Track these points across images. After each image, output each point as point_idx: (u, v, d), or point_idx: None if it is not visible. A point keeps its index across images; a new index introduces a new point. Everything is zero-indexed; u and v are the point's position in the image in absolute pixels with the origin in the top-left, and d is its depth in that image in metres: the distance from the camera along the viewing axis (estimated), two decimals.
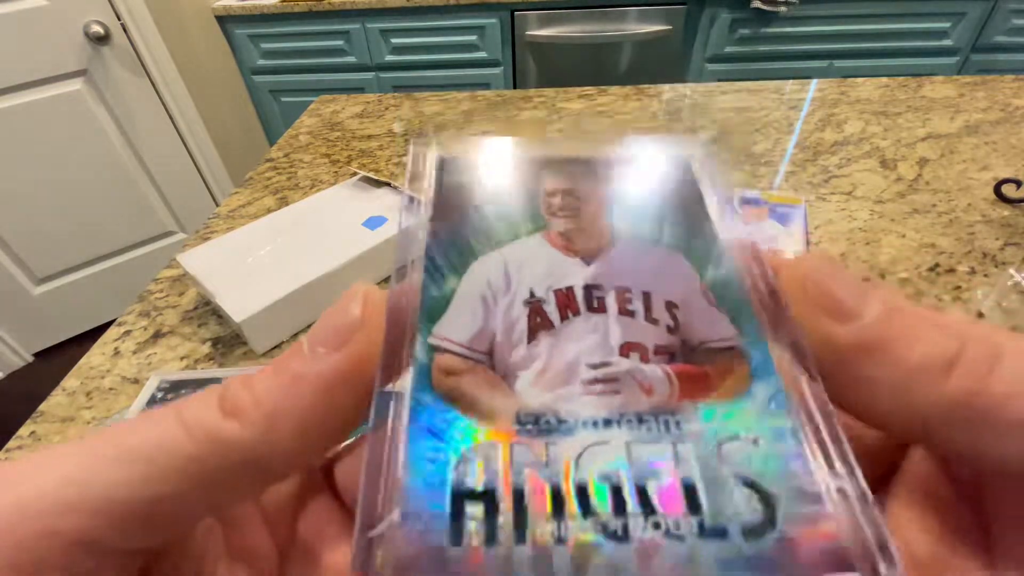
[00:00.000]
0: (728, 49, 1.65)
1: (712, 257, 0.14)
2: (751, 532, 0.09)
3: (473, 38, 1.70)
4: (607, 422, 0.11)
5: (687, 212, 0.15)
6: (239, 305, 0.45)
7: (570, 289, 0.13)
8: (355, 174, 0.63)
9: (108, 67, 1.41)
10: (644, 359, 0.12)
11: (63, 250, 1.51)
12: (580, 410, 0.11)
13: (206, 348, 0.48)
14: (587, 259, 0.14)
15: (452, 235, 0.14)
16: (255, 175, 0.76)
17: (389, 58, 1.77)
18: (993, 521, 0.10)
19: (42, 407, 0.44)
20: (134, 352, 0.48)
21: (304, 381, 0.10)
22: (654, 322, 0.13)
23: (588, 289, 0.13)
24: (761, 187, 0.64)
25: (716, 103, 0.85)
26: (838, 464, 0.10)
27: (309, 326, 0.42)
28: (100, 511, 0.09)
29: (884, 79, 0.87)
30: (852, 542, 0.09)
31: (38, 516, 0.09)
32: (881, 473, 0.12)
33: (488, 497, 0.10)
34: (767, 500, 0.10)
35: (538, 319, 0.13)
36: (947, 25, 1.54)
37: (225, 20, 1.73)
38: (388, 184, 0.60)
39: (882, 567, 0.09)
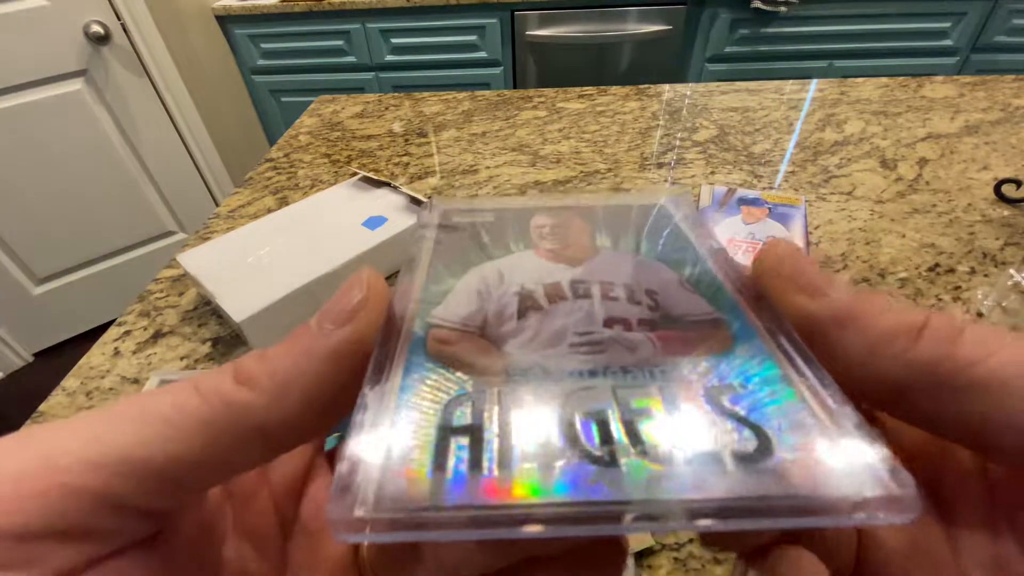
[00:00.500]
0: (728, 49, 1.65)
1: (688, 262, 0.15)
2: (745, 458, 0.09)
3: (473, 38, 1.70)
4: (592, 372, 0.11)
5: (665, 235, 0.17)
6: (239, 305, 0.45)
7: (557, 283, 0.14)
8: (355, 174, 0.63)
9: (108, 67, 1.41)
10: (628, 329, 0.13)
11: (63, 250, 1.51)
12: (567, 364, 0.12)
13: (206, 348, 0.48)
14: (573, 265, 0.15)
15: (453, 251, 0.16)
16: (255, 175, 0.76)
17: (389, 58, 1.77)
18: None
19: (42, 407, 0.44)
20: (134, 352, 0.48)
21: (312, 354, 0.11)
22: (636, 303, 0.13)
23: (574, 283, 0.14)
24: (761, 187, 0.64)
25: (716, 103, 0.85)
26: (831, 401, 0.10)
27: None
28: (122, 469, 0.09)
29: (884, 79, 0.87)
30: (858, 467, 0.09)
31: (64, 471, 0.09)
32: None
33: (474, 431, 0.10)
34: (760, 433, 0.10)
35: (528, 303, 0.13)
36: (947, 25, 1.54)
37: (225, 20, 1.73)
38: (388, 184, 0.60)
39: (894, 486, 0.09)
